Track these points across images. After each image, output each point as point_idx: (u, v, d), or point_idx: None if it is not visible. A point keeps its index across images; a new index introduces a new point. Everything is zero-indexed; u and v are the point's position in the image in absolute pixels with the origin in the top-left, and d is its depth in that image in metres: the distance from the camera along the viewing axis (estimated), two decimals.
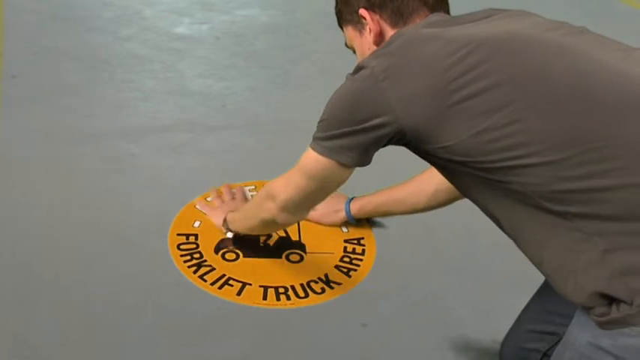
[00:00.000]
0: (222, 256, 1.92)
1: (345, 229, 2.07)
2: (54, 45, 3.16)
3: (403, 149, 1.23)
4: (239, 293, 1.81)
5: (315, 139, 1.30)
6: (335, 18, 1.42)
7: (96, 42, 3.26)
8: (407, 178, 1.91)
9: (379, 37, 1.29)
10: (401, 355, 1.70)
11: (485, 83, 1.07)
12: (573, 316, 1.16)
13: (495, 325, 1.62)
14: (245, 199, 2.11)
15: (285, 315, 1.77)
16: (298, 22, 3.69)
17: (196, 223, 2.05)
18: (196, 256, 1.92)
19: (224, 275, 1.86)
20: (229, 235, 1.95)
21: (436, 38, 1.14)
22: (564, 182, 1.05)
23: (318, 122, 1.30)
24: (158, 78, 2.97)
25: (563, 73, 1.07)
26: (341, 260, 1.96)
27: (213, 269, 1.88)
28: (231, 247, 1.95)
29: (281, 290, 1.83)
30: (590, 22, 1.19)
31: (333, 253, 1.98)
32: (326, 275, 1.90)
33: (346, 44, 1.41)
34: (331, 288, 1.86)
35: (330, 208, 2.04)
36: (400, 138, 1.18)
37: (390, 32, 1.29)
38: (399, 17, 1.28)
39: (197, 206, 2.11)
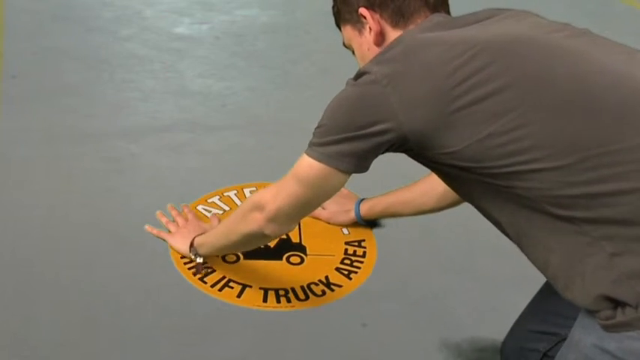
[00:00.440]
0: (223, 257, 1.91)
1: (346, 231, 2.07)
2: (54, 45, 3.15)
3: None
4: (239, 295, 1.81)
5: (312, 145, 1.27)
6: (333, 16, 1.40)
7: (96, 42, 3.26)
8: (416, 180, 1.90)
9: (380, 37, 1.28)
10: (401, 355, 1.70)
11: (491, 87, 1.06)
12: (575, 317, 1.16)
13: (495, 325, 1.62)
14: (198, 219, 2.00)
15: (285, 316, 1.77)
16: (298, 22, 3.69)
17: None
18: None
19: (224, 277, 1.86)
20: (199, 260, 1.84)
21: (438, 42, 1.13)
22: (570, 187, 1.05)
23: (316, 128, 1.27)
24: (158, 78, 2.97)
25: (566, 77, 1.07)
26: (342, 262, 1.96)
27: (214, 271, 1.87)
28: None
29: (281, 292, 1.83)
30: (590, 22, 1.19)
31: (333, 256, 1.98)
32: (327, 277, 1.90)
33: (344, 44, 1.39)
34: (332, 290, 1.86)
35: (340, 208, 2.04)
36: (401, 144, 1.16)
37: (390, 32, 1.27)
38: (399, 17, 1.26)
39: (148, 231, 1.98)
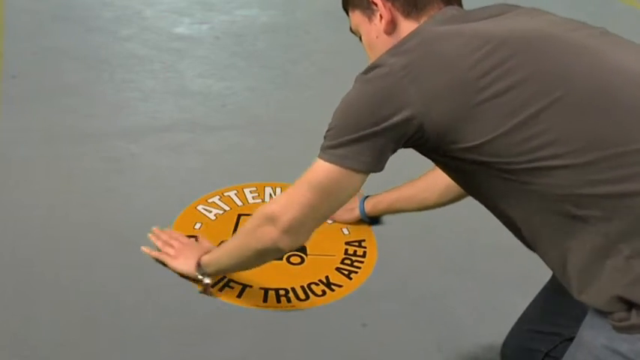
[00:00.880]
0: None
1: (346, 231, 2.07)
2: (54, 45, 3.16)
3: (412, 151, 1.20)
4: (239, 295, 1.81)
5: (325, 148, 1.22)
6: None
7: (96, 42, 3.26)
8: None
9: (391, 25, 1.25)
10: (401, 355, 1.70)
11: (512, 80, 1.05)
12: (576, 317, 1.15)
13: (495, 325, 1.61)
14: (192, 240, 1.91)
15: (285, 316, 1.77)
16: (298, 22, 3.69)
17: (197, 225, 2.04)
18: None
19: (224, 277, 1.85)
20: (207, 280, 1.73)
21: (456, 35, 1.11)
22: (590, 186, 1.03)
23: (327, 131, 1.21)
24: (158, 78, 2.98)
25: (583, 76, 1.06)
26: (342, 262, 1.96)
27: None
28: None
29: (281, 292, 1.83)
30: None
31: (334, 256, 1.98)
32: (327, 277, 1.90)
33: (351, 29, 1.35)
34: (332, 290, 1.86)
35: (344, 206, 2.03)
36: (419, 137, 1.12)
37: (402, 22, 1.24)
38: (412, 7, 1.23)
39: (146, 253, 1.88)
